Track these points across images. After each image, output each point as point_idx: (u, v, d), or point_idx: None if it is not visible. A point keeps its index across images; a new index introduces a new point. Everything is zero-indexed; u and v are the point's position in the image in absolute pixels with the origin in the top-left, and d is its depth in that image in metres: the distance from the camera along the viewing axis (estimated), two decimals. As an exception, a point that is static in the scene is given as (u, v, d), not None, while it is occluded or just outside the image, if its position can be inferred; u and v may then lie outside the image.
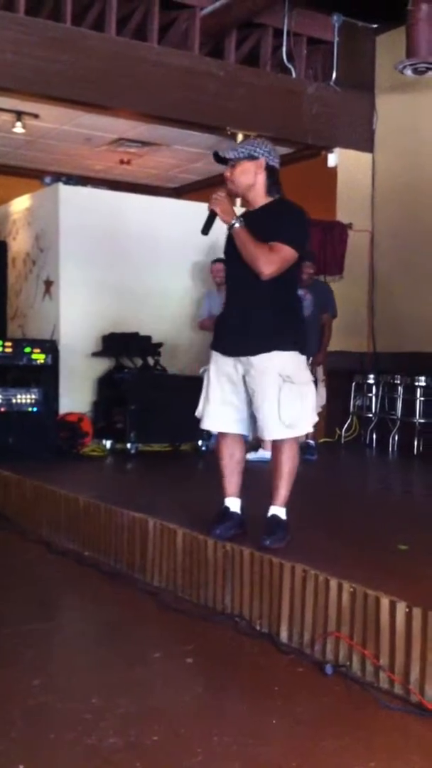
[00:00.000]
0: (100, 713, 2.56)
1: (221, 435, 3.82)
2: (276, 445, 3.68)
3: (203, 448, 6.83)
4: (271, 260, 3.48)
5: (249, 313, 3.60)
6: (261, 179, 3.60)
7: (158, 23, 7.59)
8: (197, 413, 3.80)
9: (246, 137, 8.02)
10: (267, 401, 3.54)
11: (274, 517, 3.63)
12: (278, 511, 3.65)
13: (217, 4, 7.59)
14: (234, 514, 3.77)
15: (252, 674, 2.97)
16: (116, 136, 9.06)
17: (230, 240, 3.64)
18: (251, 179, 3.59)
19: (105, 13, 7.36)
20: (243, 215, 3.63)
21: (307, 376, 3.67)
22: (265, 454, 6.23)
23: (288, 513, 3.68)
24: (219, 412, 3.72)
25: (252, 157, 3.57)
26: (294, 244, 3.52)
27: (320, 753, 2.38)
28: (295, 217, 3.62)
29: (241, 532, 3.72)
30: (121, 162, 10.12)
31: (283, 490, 3.64)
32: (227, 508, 3.77)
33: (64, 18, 7.16)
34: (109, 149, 9.60)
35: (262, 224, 3.54)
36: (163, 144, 9.29)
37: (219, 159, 3.66)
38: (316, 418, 3.71)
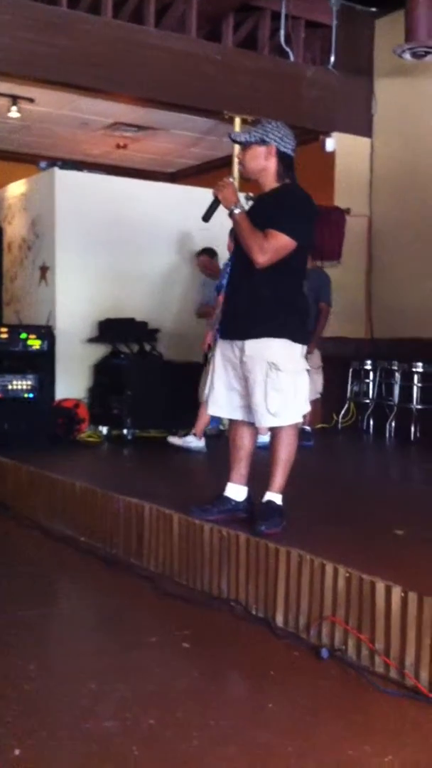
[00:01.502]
0: (96, 697, 2.57)
1: (231, 422, 3.83)
2: (273, 432, 3.69)
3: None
4: (264, 248, 3.47)
5: (245, 297, 3.62)
6: (272, 164, 3.59)
7: (155, 6, 7.52)
8: (203, 397, 3.87)
9: (243, 121, 8.00)
10: (256, 388, 3.57)
11: (270, 503, 3.64)
12: (273, 497, 3.65)
13: (214, -13, 7.53)
14: (227, 499, 3.78)
15: (248, 659, 2.98)
16: (113, 121, 9.00)
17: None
18: (261, 164, 3.59)
19: (101, -4, 7.30)
20: (257, 198, 3.64)
21: (300, 365, 3.65)
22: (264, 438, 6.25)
23: (284, 498, 3.68)
24: (224, 398, 3.74)
25: (263, 142, 3.56)
26: (292, 232, 3.48)
27: (316, 736, 2.39)
28: (295, 204, 3.58)
29: (229, 517, 3.72)
30: (118, 146, 10.07)
31: (279, 476, 3.64)
32: (221, 493, 3.80)
33: (60, 1, 7.10)
34: (106, 134, 9.54)
35: (265, 209, 3.55)
36: (159, 128, 9.24)
37: (234, 141, 3.69)
38: (307, 408, 3.70)
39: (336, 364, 7.63)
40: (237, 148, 3.77)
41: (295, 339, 3.62)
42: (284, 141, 3.59)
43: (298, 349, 3.65)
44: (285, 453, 3.63)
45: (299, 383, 3.63)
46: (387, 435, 7.56)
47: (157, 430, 6.96)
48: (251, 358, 3.58)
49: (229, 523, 3.66)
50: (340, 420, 8.14)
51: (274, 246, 3.47)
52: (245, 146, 3.60)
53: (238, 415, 3.75)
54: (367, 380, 8.07)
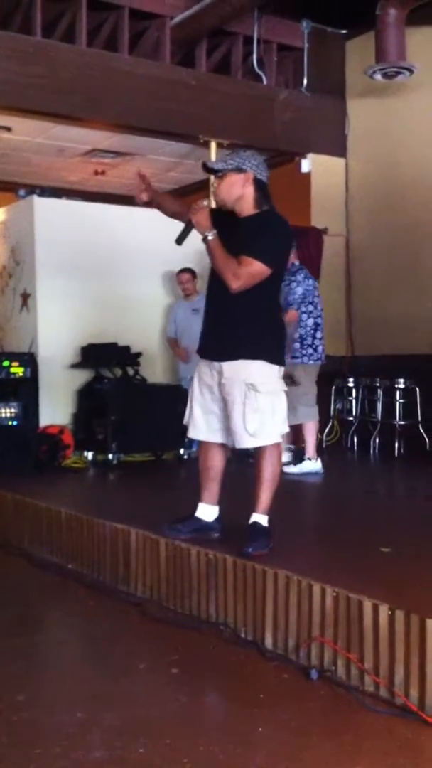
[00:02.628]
0: (85, 726, 2.55)
1: (202, 443, 3.87)
2: (256, 452, 3.70)
3: (185, 457, 6.83)
4: (237, 274, 3.50)
5: (222, 320, 3.67)
6: (249, 191, 3.62)
7: (129, 34, 7.60)
8: (185, 420, 3.88)
9: (219, 145, 8.08)
10: (234, 410, 3.61)
11: (256, 524, 3.64)
12: (260, 518, 3.66)
13: (186, 14, 7.62)
14: (198, 519, 3.83)
15: (237, 682, 2.97)
16: (90, 147, 9.05)
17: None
18: (239, 191, 3.61)
19: (75, 25, 7.36)
20: (233, 220, 3.63)
21: (277, 386, 3.68)
22: (313, 466, 6.23)
23: (270, 518, 3.69)
24: (202, 421, 3.79)
25: (240, 170, 3.60)
26: (266, 259, 3.51)
27: (307, 758, 2.38)
28: (270, 230, 3.61)
29: (200, 536, 3.75)
30: (96, 173, 10.12)
31: (264, 497, 3.66)
32: (192, 513, 3.85)
33: (34, 30, 7.16)
34: (83, 160, 9.59)
35: (243, 235, 3.56)
36: (137, 154, 9.29)
37: (207, 170, 3.70)
38: (286, 429, 3.73)
39: (319, 382, 7.65)
40: (212, 177, 3.77)
41: (272, 360, 3.65)
42: (259, 168, 3.63)
43: (275, 370, 3.67)
44: (269, 473, 3.65)
45: (277, 403, 3.66)
46: (371, 451, 7.58)
47: (142, 454, 6.96)
48: (229, 379, 3.62)
49: (208, 544, 3.65)
50: (324, 438, 8.15)
51: (247, 272, 3.50)
52: (221, 175, 3.62)
53: (217, 437, 3.80)
54: (350, 397, 8.11)
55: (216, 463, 3.83)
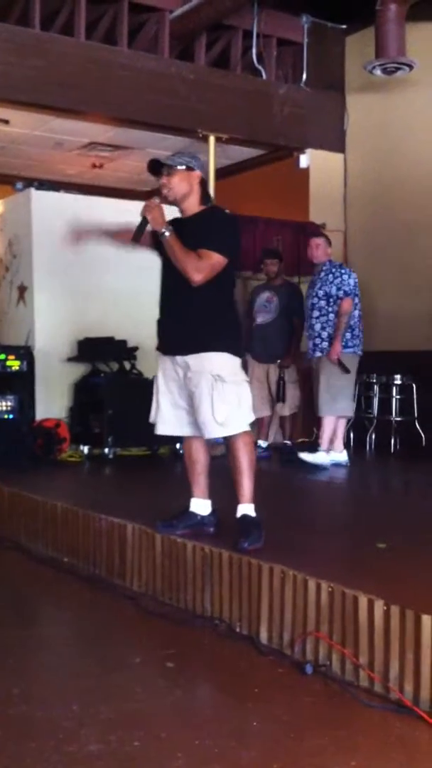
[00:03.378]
0: (80, 720, 2.55)
1: (186, 438, 3.93)
2: (229, 442, 3.73)
3: (181, 451, 6.80)
4: (199, 267, 3.61)
5: (183, 315, 3.74)
6: (196, 190, 3.77)
7: (127, 27, 7.58)
8: (150, 419, 3.93)
9: (218, 140, 8.08)
10: (203, 401, 3.65)
11: (245, 517, 3.66)
12: (247, 509, 3.69)
13: (185, 7, 7.60)
14: (192, 514, 3.86)
15: (232, 676, 2.97)
16: (88, 140, 9.03)
17: (163, 247, 3.75)
18: (187, 188, 3.75)
19: (74, 18, 7.35)
20: (175, 221, 3.76)
21: (240, 376, 3.76)
22: (338, 457, 6.41)
23: (262, 509, 3.70)
24: (171, 416, 3.85)
25: (189, 168, 3.75)
26: (222, 250, 3.65)
27: (301, 753, 2.38)
28: (223, 223, 3.75)
29: (196, 531, 3.79)
30: (94, 166, 10.10)
31: (246, 486, 3.69)
32: (186, 508, 3.88)
33: (33, 23, 7.14)
34: (82, 153, 9.57)
35: (194, 231, 3.68)
36: (135, 147, 9.27)
37: (154, 168, 3.78)
38: (251, 417, 3.77)
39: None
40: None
41: (234, 352, 3.74)
42: (203, 169, 3.84)
43: (238, 362, 3.76)
44: (246, 461, 3.69)
45: (242, 393, 3.72)
46: (367, 447, 7.59)
47: (138, 449, 6.95)
48: (196, 373, 3.68)
49: (203, 538, 3.66)
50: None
51: (209, 265, 3.62)
52: (171, 171, 3.73)
53: (187, 431, 3.85)
54: (347, 393, 8.08)
55: (200, 456, 3.89)
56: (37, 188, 7.14)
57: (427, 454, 7.28)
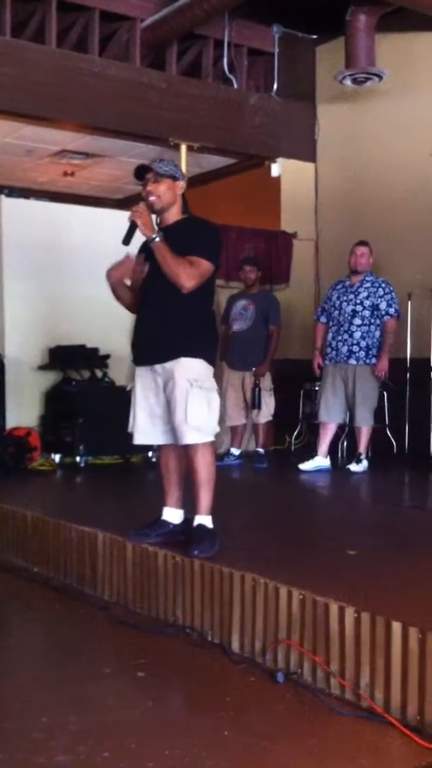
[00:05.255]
0: (50, 731, 2.52)
1: (161, 447, 3.91)
2: (189, 453, 3.70)
3: (153, 460, 6.80)
4: (191, 274, 3.62)
5: (161, 322, 3.73)
6: (179, 199, 3.79)
7: (99, 35, 7.57)
8: (129, 428, 3.90)
9: (189, 148, 8.08)
10: (178, 406, 3.64)
11: (200, 526, 3.66)
12: (203, 519, 3.68)
13: (156, 16, 7.62)
14: (164, 522, 3.85)
15: (204, 686, 2.96)
16: (59, 148, 9.01)
17: (147, 251, 3.75)
18: (173, 198, 3.76)
19: (45, 25, 7.33)
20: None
21: (212, 384, 3.75)
22: (322, 463, 6.59)
23: (232, 518, 3.70)
24: (148, 425, 3.82)
25: (174, 178, 3.76)
26: (211, 257, 3.67)
27: (272, 761, 2.38)
28: (210, 231, 3.80)
29: (168, 540, 3.77)
30: (65, 174, 10.07)
31: (204, 498, 3.68)
32: (158, 517, 3.87)
33: (4, 30, 7.11)
34: (53, 161, 9.54)
35: (177, 239, 3.67)
36: (107, 155, 9.26)
37: (140, 173, 3.77)
38: (218, 429, 3.76)
39: (287, 386, 7.68)
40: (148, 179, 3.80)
41: (209, 360, 3.75)
42: (183, 180, 3.81)
43: (211, 370, 3.77)
44: (205, 473, 3.67)
45: (213, 402, 3.71)
46: (339, 455, 7.61)
47: (111, 457, 6.93)
48: (173, 378, 3.67)
49: (175, 547, 3.64)
50: (292, 441, 8.18)
51: (199, 271, 3.64)
52: (158, 178, 3.72)
53: (163, 440, 3.84)
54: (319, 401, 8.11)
55: (175, 466, 3.86)
56: (8, 195, 7.11)
57: (399, 461, 7.32)
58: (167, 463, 3.89)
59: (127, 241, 3.69)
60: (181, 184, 3.77)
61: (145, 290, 3.83)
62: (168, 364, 3.69)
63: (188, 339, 3.69)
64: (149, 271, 3.75)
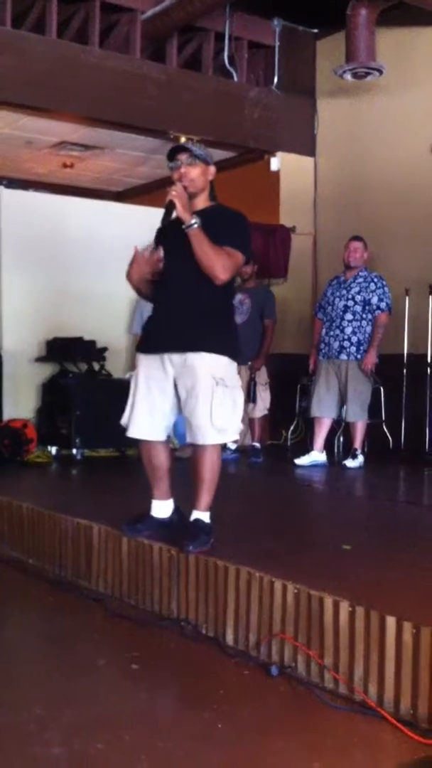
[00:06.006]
0: (43, 723, 2.53)
1: (146, 442, 3.73)
2: (198, 451, 3.58)
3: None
4: (227, 266, 3.48)
5: (186, 311, 3.56)
6: (208, 185, 3.67)
7: (99, 27, 7.55)
8: (122, 421, 3.73)
9: (189, 140, 8.06)
10: (201, 406, 3.48)
11: (197, 521, 3.60)
12: (201, 515, 3.62)
13: (157, 8, 7.59)
14: (154, 519, 3.79)
15: (198, 679, 2.96)
16: (58, 140, 8.99)
17: (170, 235, 3.57)
18: (204, 183, 3.64)
19: (45, 16, 7.30)
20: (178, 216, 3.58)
21: (237, 381, 3.66)
22: (318, 458, 6.65)
23: (227, 512, 3.69)
24: (148, 420, 3.65)
25: (207, 163, 3.64)
26: (244, 249, 3.56)
27: (266, 755, 2.38)
28: (242, 222, 3.67)
29: (160, 532, 3.74)
30: (64, 166, 10.04)
31: (206, 496, 3.60)
32: (148, 511, 3.81)
33: (4, 21, 7.08)
34: (51, 153, 9.52)
35: (207, 227, 3.49)
36: (106, 147, 9.25)
37: (173, 153, 3.60)
38: (242, 426, 3.70)
39: (284, 381, 7.69)
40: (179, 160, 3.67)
41: (233, 356, 3.63)
42: (213, 166, 3.70)
43: (235, 367, 3.66)
44: (210, 473, 3.57)
45: (238, 399, 3.61)
46: (335, 450, 7.62)
47: (107, 450, 6.93)
48: (194, 373, 3.50)
49: (170, 540, 3.62)
50: (289, 436, 8.18)
51: (235, 263, 3.51)
52: (192, 161, 3.58)
53: (160, 435, 3.70)
54: (315, 396, 8.11)
55: (162, 460, 3.72)
56: (6, 187, 7.09)
57: (394, 456, 7.33)
58: (155, 457, 3.71)
59: (165, 220, 3.51)
60: (213, 170, 3.64)
61: (165, 275, 3.62)
62: (189, 356, 3.52)
63: (215, 333, 3.54)
64: (176, 258, 3.55)
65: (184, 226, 3.46)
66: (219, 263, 3.46)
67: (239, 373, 6.85)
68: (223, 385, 3.50)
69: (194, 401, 3.51)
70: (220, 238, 3.47)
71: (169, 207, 3.47)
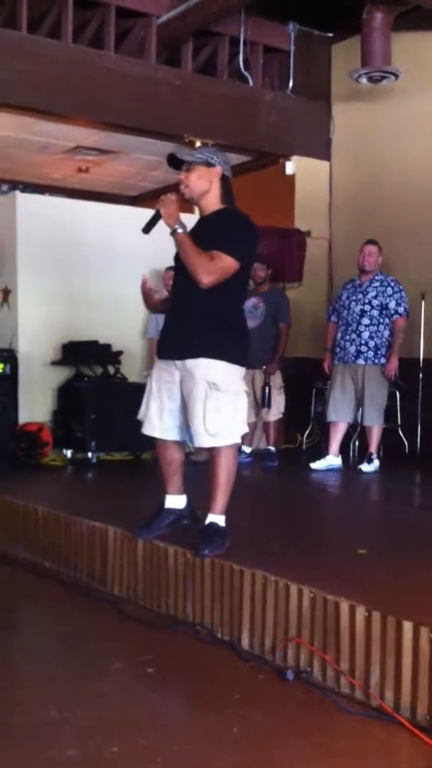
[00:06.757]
0: (58, 726, 2.53)
1: (160, 440, 3.79)
2: (212, 454, 3.62)
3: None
4: (209, 270, 3.48)
5: (186, 319, 3.62)
6: (216, 187, 3.63)
7: (114, 31, 7.56)
8: (139, 416, 3.82)
9: (204, 145, 8.07)
10: (196, 410, 3.54)
11: (212, 525, 3.60)
12: (216, 518, 3.62)
13: (172, 13, 7.60)
14: (169, 510, 3.82)
15: (213, 682, 2.96)
16: (73, 144, 9.01)
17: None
18: (206, 185, 3.61)
19: (61, 21, 7.32)
20: (198, 220, 3.67)
21: (239, 386, 3.63)
22: (333, 462, 6.61)
23: (244, 516, 3.68)
24: (157, 419, 3.73)
25: (209, 164, 3.60)
26: (236, 254, 3.51)
27: (281, 760, 2.37)
28: (238, 225, 3.61)
29: (175, 527, 3.78)
30: (80, 170, 10.07)
31: (220, 498, 3.61)
32: (161, 506, 3.84)
33: (20, 25, 7.11)
34: (67, 157, 9.55)
35: (208, 231, 3.56)
36: (121, 152, 9.26)
37: (173, 162, 3.67)
38: (245, 429, 3.68)
39: (299, 385, 7.67)
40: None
41: (234, 360, 3.61)
42: (226, 165, 3.66)
43: (238, 371, 3.63)
44: (225, 476, 3.60)
45: (238, 404, 3.61)
46: (351, 454, 7.59)
47: (121, 453, 6.93)
48: (191, 378, 3.56)
49: (187, 544, 3.61)
50: (304, 440, 8.16)
51: (219, 267, 3.48)
52: (189, 167, 3.61)
53: (171, 435, 3.76)
54: (330, 400, 8.09)
55: (176, 457, 3.80)
56: (22, 191, 7.13)
57: (410, 461, 7.29)
58: (169, 455, 3.79)
59: (147, 229, 3.60)
60: (218, 170, 3.59)
61: (175, 287, 3.75)
62: (188, 362, 3.57)
63: (209, 339, 3.55)
64: (179, 268, 3.63)
65: (169, 232, 3.53)
66: (200, 267, 3.47)
67: (253, 377, 6.99)
68: (216, 390, 3.53)
69: (191, 405, 3.58)
70: (212, 243, 3.49)
71: (156, 215, 3.57)
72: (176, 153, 3.68)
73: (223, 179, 3.63)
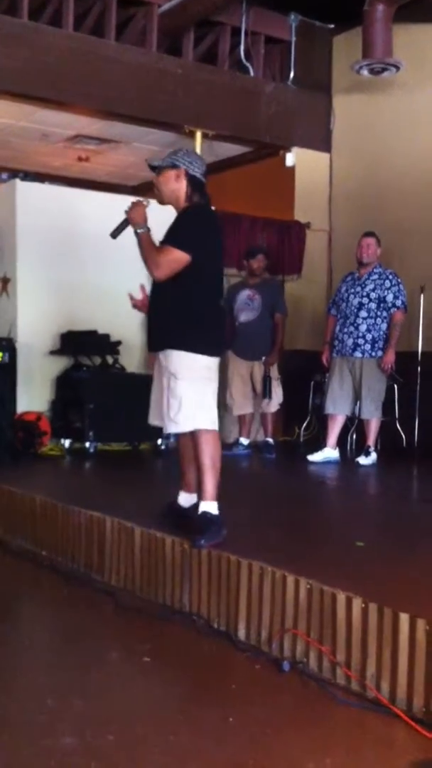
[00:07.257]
0: (55, 714, 2.54)
1: (180, 433, 3.90)
2: (193, 439, 3.73)
3: (162, 447, 6.81)
4: (157, 263, 3.67)
5: (154, 312, 3.84)
6: (182, 186, 3.78)
7: (116, 20, 7.54)
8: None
9: (204, 136, 8.06)
10: (162, 396, 3.75)
11: (205, 514, 3.63)
12: (208, 506, 3.65)
13: (174, 2, 7.57)
14: (174, 504, 3.94)
15: (209, 673, 2.97)
16: (74, 133, 8.98)
17: None
18: (173, 186, 3.78)
19: (62, 9, 7.29)
20: None
21: (200, 374, 3.69)
22: (331, 454, 6.61)
23: (241, 507, 3.69)
24: (155, 407, 3.92)
25: (174, 166, 3.77)
26: (183, 246, 3.63)
27: (277, 750, 2.38)
28: (189, 221, 3.73)
29: (169, 521, 3.86)
30: (80, 159, 10.04)
31: (209, 484, 3.66)
32: (172, 502, 3.97)
33: (21, 13, 7.08)
34: (67, 146, 9.52)
35: (168, 230, 3.76)
36: (122, 141, 9.24)
37: (152, 168, 3.87)
38: (213, 416, 3.71)
39: (297, 377, 7.67)
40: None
41: (197, 350, 3.69)
42: (193, 165, 3.79)
43: (200, 360, 3.69)
44: (207, 459, 3.67)
45: (200, 392, 3.68)
46: (348, 447, 7.60)
47: (120, 444, 6.93)
48: (163, 368, 3.76)
49: (184, 534, 3.62)
50: (302, 432, 8.16)
51: (165, 260, 3.66)
52: (159, 171, 3.79)
53: (160, 424, 3.89)
54: (328, 393, 8.08)
55: (184, 451, 3.91)
56: (22, 179, 7.10)
57: (408, 454, 7.30)
58: (183, 446, 3.92)
59: (115, 234, 3.83)
60: (182, 171, 3.73)
61: (152, 285, 3.92)
62: (160, 354, 3.79)
63: (172, 330, 3.72)
64: None
65: (133, 233, 3.76)
66: (150, 261, 3.69)
67: (252, 368, 6.98)
68: (174, 379, 3.68)
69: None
70: (167, 239, 3.70)
71: (125, 220, 3.79)
72: (148, 160, 3.89)
73: (190, 178, 3.76)
